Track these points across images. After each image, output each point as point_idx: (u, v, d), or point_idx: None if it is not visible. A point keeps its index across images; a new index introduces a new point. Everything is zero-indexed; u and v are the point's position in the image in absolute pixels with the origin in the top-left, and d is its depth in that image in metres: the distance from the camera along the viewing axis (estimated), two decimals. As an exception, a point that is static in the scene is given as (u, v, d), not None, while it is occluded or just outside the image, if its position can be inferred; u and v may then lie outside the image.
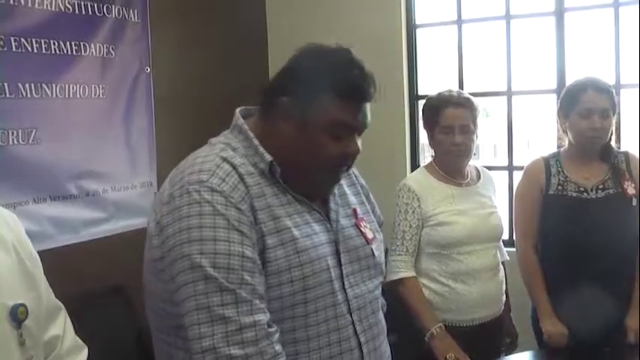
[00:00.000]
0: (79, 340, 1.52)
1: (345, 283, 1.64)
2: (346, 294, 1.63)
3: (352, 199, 1.81)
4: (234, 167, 1.53)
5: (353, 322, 1.63)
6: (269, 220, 1.53)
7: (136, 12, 3.37)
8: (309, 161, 1.59)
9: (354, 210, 1.79)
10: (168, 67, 3.57)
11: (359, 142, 1.64)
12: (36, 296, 1.37)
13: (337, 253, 1.65)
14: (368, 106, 1.63)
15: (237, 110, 1.70)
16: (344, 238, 1.69)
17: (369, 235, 1.76)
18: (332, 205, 1.71)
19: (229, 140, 1.63)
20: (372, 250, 1.75)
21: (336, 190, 1.74)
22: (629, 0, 3.56)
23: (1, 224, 1.36)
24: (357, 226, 1.75)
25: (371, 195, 1.92)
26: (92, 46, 3.13)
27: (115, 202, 3.26)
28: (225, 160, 1.54)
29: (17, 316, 1.28)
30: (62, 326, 1.47)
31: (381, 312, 1.78)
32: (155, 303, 1.59)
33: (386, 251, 1.94)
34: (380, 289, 1.80)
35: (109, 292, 3.01)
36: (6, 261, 1.32)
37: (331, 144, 1.58)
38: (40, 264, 1.45)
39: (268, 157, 1.58)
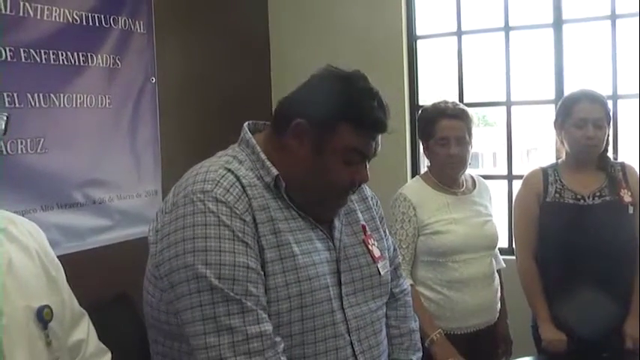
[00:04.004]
0: (102, 345, 1.56)
1: (344, 302, 1.63)
2: (344, 314, 1.62)
3: (361, 215, 1.80)
4: (237, 178, 1.53)
5: (352, 342, 1.62)
6: (270, 233, 1.53)
7: (141, 23, 3.42)
8: (318, 183, 1.60)
9: (363, 227, 1.78)
10: (173, 77, 3.61)
11: (367, 169, 1.66)
12: (59, 300, 1.42)
13: (337, 272, 1.65)
14: (380, 137, 1.64)
15: (245, 124, 1.71)
16: (347, 257, 1.68)
17: (376, 254, 1.76)
18: (336, 224, 1.70)
19: (236, 153, 1.64)
20: (378, 269, 1.74)
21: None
22: (626, 12, 3.62)
23: (24, 233, 1.42)
24: (364, 243, 1.74)
25: (385, 223, 1.91)
26: (99, 56, 3.18)
27: (121, 211, 3.30)
28: (229, 171, 1.55)
29: (43, 317, 1.33)
30: (86, 331, 1.51)
31: (383, 332, 1.76)
32: (150, 312, 1.60)
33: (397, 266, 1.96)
34: (385, 308, 1.79)
35: (113, 299, 3.04)
36: (30, 267, 1.38)
37: (342, 169, 1.60)
38: (63, 270, 1.50)
39: (274, 171, 1.58)
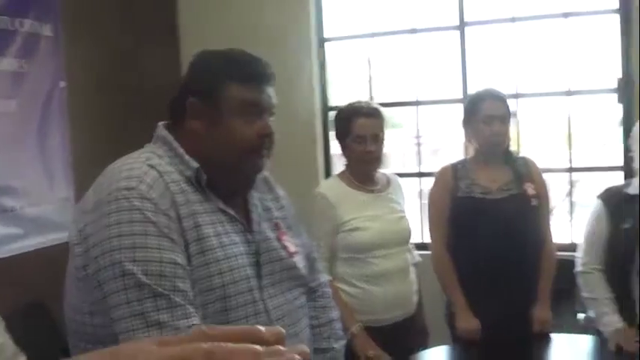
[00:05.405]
0: (18, 349, 1.53)
1: (264, 293, 1.66)
2: (265, 304, 1.66)
3: (276, 213, 1.84)
4: (160, 174, 1.54)
5: None
6: (191, 228, 1.54)
7: (48, 26, 3.34)
8: (229, 151, 1.62)
9: (277, 223, 1.81)
10: (83, 81, 3.54)
11: (269, 123, 1.68)
12: None
13: (257, 265, 1.68)
14: (271, 90, 1.69)
15: (160, 124, 1.72)
16: (266, 250, 1.71)
17: (292, 249, 1.79)
18: (254, 217, 1.73)
19: (154, 149, 1.64)
20: (295, 263, 1.78)
21: (258, 203, 1.77)
22: (525, 15, 3.81)
23: None
24: (279, 239, 1.78)
25: (298, 220, 1.95)
26: (4, 60, 3.08)
27: (32, 219, 3.21)
28: (152, 167, 1.55)
29: None
30: (3, 335, 1.49)
31: (303, 322, 1.80)
32: (73, 316, 1.57)
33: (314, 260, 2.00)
34: (303, 299, 1.83)
35: (28, 309, 2.95)
36: None
37: (245, 126, 1.63)
38: None
39: (194, 164, 1.59)
